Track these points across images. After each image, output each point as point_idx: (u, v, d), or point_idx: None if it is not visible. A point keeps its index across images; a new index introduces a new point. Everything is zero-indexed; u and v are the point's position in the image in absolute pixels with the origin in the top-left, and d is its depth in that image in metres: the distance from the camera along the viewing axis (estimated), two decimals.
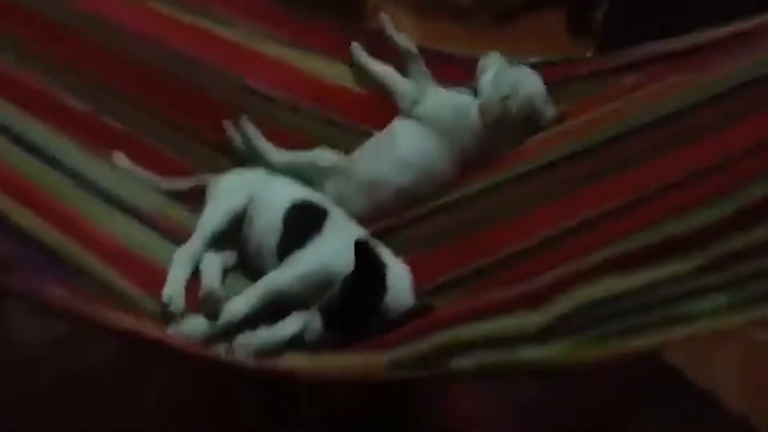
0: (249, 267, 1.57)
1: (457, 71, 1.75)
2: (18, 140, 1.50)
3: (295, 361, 1.24)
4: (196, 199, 1.65)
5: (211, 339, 1.39)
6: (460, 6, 2.60)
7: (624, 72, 1.56)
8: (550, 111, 1.61)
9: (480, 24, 2.54)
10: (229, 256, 1.56)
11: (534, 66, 1.68)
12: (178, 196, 1.66)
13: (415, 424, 1.73)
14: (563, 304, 1.10)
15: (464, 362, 1.10)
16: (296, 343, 1.39)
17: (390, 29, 1.75)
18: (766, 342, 1.83)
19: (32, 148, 1.51)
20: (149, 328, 1.22)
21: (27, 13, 1.63)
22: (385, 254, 1.46)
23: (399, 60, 1.74)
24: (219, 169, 1.70)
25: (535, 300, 1.14)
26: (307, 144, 1.69)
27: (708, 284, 1.06)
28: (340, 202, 1.61)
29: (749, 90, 1.26)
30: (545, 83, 1.64)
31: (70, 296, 1.21)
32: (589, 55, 2.19)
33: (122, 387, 1.82)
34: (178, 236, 1.56)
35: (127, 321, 1.20)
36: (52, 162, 1.52)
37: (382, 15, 1.76)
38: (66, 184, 1.50)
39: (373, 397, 1.56)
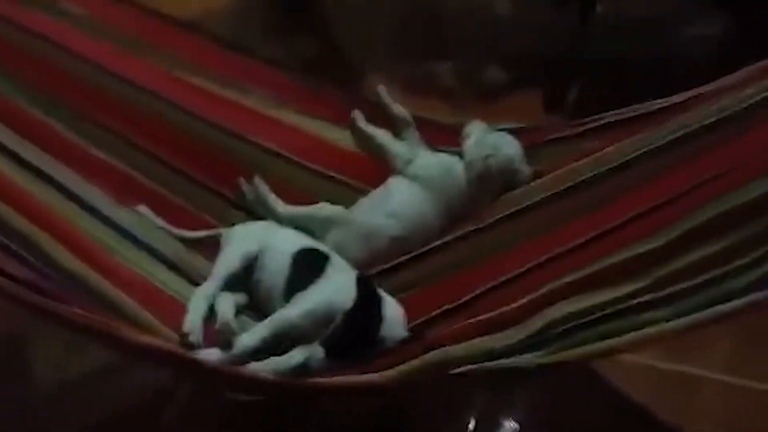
0: (258, 309, 1.74)
1: (444, 137, 1.98)
2: (50, 182, 1.72)
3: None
4: (211, 249, 1.85)
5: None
6: (445, 85, 2.87)
7: (587, 137, 1.80)
8: (525, 170, 1.84)
9: (464, 102, 2.79)
10: (240, 298, 1.74)
11: (512, 132, 1.91)
12: (195, 245, 1.86)
13: None
14: (543, 318, 1.30)
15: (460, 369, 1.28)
16: (301, 372, 1.55)
17: (387, 99, 1.99)
18: (741, 386, 1.95)
19: (64, 191, 1.72)
20: (169, 345, 1.39)
21: (71, 78, 1.86)
22: (380, 291, 1.65)
23: (393, 127, 1.97)
24: (233, 223, 1.90)
25: (511, 321, 1.34)
26: (312, 200, 1.90)
27: (654, 300, 1.30)
28: (340, 250, 1.81)
29: (681, 143, 1.56)
30: (523, 145, 1.87)
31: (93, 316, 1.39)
32: None
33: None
34: (195, 279, 1.75)
35: (148, 338, 1.37)
36: (81, 203, 1.72)
37: (380, 87, 2.00)
38: (92, 222, 1.70)
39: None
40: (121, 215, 1.79)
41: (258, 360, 1.57)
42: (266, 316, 1.69)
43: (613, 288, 1.33)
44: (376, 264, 1.79)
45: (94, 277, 1.58)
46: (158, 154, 1.88)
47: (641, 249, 1.37)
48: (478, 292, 1.55)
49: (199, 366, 1.40)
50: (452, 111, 2.63)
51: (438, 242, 1.75)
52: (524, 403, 1.99)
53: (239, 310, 1.73)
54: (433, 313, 1.59)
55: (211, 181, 1.91)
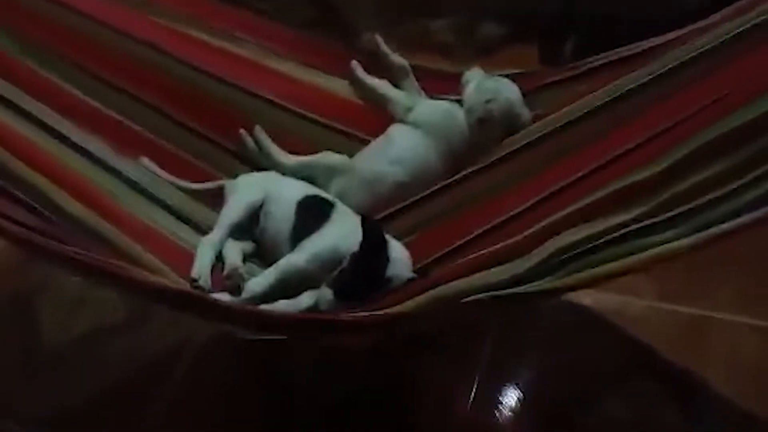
0: (265, 257, 1.76)
1: (443, 85, 1.99)
2: (53, 133, 1.72)
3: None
4: (215, 200, 1.86)
5: None
6: (443, 42, 2.87)
7: (583, 79, 1.82)
8: (525, 114, 1.85)
9: (461, 59, 2.79)
10: (246, 246, 1.76)
11: (510, 77, 1.92)
12: (199, 196, 1.87)
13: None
14: (546, 249, 1.32)
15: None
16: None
17: (384, 48, 1.99)
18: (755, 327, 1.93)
19: (68, 142, 1.72)
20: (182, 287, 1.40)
21: (70, 32, 1.86)
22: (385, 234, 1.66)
23: (391, 76, 1.98)
24: (236, 173, 1.91)
25: (520, 251, 1.35)
26: (313, 150, 1.91)
27: (656, 223, 1.32)
28: (344, 197, 1.82)
29: (677, 72, 1.58)
30: (522, 89, 1.88)
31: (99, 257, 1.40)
32: None
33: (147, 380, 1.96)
34: (201, 228, 1.76)
35: (163, 280, 1.38)
36: (85, 154, 1.73)
37: (377, 36, 2.00)
38: (97, 172, 1.71)
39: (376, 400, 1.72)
40: (126, 166, 1.79)
41: (267, 304, 1.59)
42: (273, 264, 1.71)
43: (615, 215, 1.35)
44: (379, 210, 1.80)
45: (103, 225, 1.59)
46: (159, 106, 1.88)
47: (640, 176, 1.38)
48: (480, 230, 1.57)
49: (212, 305, 1.41)
50: (449, 65, 2.63)
51: (439, 185, 1.76)
52: (531, 349, 1.99)
53: (246, 258, 1.75)
54: (438, 254, 1.61)
55: (213, 133, 1.91)
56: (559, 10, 2.90)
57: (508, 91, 1.86)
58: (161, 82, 1.89)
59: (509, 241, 1.42)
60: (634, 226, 1.31)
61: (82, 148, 1.73)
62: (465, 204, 1.70)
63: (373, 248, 1.56)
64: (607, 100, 1.64)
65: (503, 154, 1.73)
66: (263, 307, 1.55)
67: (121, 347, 2.05)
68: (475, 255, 1.44)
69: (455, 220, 1.68)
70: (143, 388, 1.94)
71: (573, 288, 1.32)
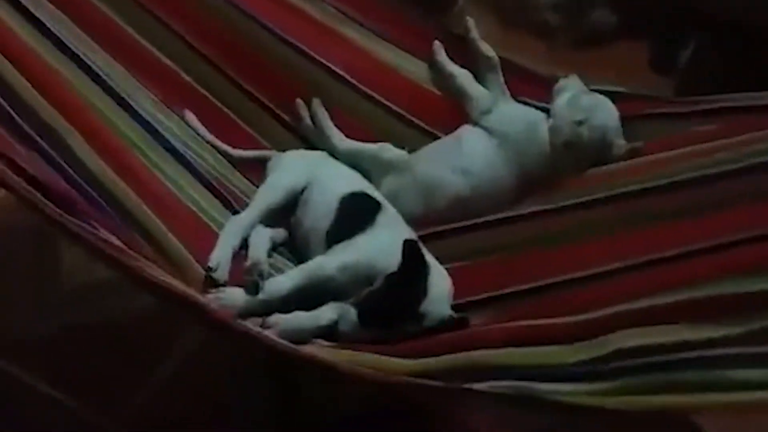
0: (295, 250, 1.58)
1: (533, 88, 1.75)
2: (88, 69, 1.54)
3: (323, 352, 1.25)
4: (256, 172, 1.68)
5: (247, 313, 1.41)
6: (546, 23, 2.57)
7: (699, 119, 1.54)
8: (620, 144, 1.60)
9: (563, 44, 2.51)
10: (278, 234, 1.58)
11: (610, 96, 1.66)
12: (240, 165, 1.69)
13: None
14: (600, 346, 1.08)
15: (482, 385, 1.09)
16: (329, 332, 1.40)
17: (474, 34, 1.75)
18: None
19: (103, 81, 1.54)
20: (187, 289, 1.24)
21: None
22: (429, 258, 1.46)
23: (477, 67, 1.74)
24: (284, 146, 1.72)
25: (571, 336, 1.13)
26: (373, 136, 1.71)
27: (755, 353, 1.01)
28: (395, 199, 1.62)
29: None
30: (622, 114, 1.62)
31: (119, 248, 1.25)
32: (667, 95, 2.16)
33: (156, 340, 1.84)
34: (233, 204, 1.59)
35: (167, 278, 1.22)
36: (119, 99, 1.54)
37: (468, 19, 1.75)
38: (128, 122, 1.53)
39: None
40: (164, 119, 1.62)
41: (284, 310, 1.42)
42: (303, 260, 1.54)
43: (697, 327, 1.07)
44: (432, 223, 1.61)
45: (122, 189, 1.43)
46: (215, 60, 1.70)
47: (742, 286, 1.11)
48: (538, 283, 1.36)
49: (211, 317, 1.25)
50: (546, 53, 2.36)
51: (505, 214, 1.54)
52: None
53: (275, 247, 1.58)
54: (484, 295, 1.41)
55: (268, 99, 1.72)
56: (681, 8, 2.57)
57: (605, 115, 1.61)
58: (223, 34, 1.70)
59: (565, 320, 1.19)
60: (724, 350, 1.02)
61: (116, 90, 1.55)
62: (529, 244, 1.47)
63: (409, 276, 1.37)
64: (729, 165, 1.34)
65: (586, 199, 1.47)
66: (275, 317, 1.37)
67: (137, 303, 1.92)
68: (521, 324, 1.23)
69: (514, 259, 1.47)
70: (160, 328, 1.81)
71: (622, 414, 1.04)
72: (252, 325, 1.35)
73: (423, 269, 1.37)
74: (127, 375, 1.77)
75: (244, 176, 1.69)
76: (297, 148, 1.73)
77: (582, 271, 1.34)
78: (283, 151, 1.71)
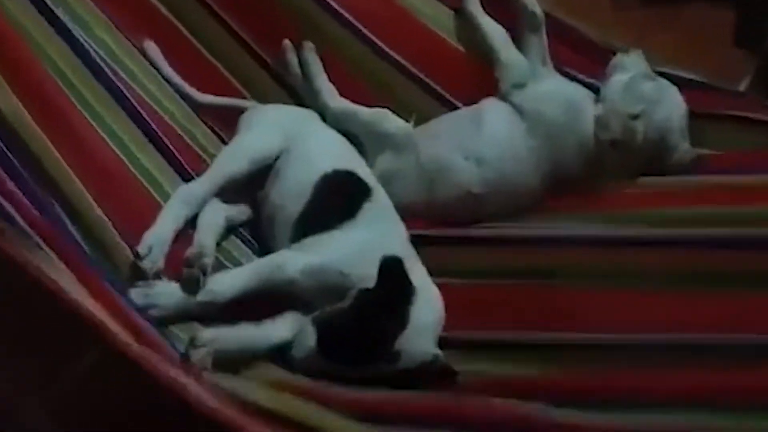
0: (259, 234, 1.28)
1: (584, 58, 1.41)
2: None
3: (257, 394, 0.96)
4: (228, 126, 1.36)
5: (178, 316, 1.12)
6: None
7: None
8: (683, 149, 1.25)
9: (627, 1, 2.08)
10: (238, 212, 1.27)
11: (680, 83, 1.30)
12: (207, 114, 1.37)
13: None
14: None
15: None
16: (279, 353, 1.11)
17: None
18: None
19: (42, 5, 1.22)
20: (94, 308, 0.94)
21: None
22: (419, 273, 1.15)
23: (517, 24, 1.37)
24: (266, 98, 1.40)
25: None
26: (375, 98, 1.38)
27: None
28: (390, 182, 1.30)
29: None
30: (691, 111, 1.26)
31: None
32: (747, 80, 1.77)
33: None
34: (189, 168, 1.27)
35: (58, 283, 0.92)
36: (62, 30, 1.22)
37: None
38: (68, 59, 1.21)
39: None
40: (115, 48, 1.30)
41: (228, 319, 1.13)
42: (266, 249, 1.24)
43: None
44: (433, 220, 1.28)
45: (39, 138, 1.11)
46: None
47: None
48: (550, 335, 1.05)
49: (109, 347, 0.95)
50: (607, 11, 1.95)
51: (522, 226, 1.20)
52: None
53: (233, 229, 1.27)
54: (480, 335, 1.11)
55: (251, 36, 1.40)
56: None
57: (670, 109, 1.25)
58: None
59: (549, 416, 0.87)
60: None
61: (53, 11, 1.22)
62: (549, 276, 1.14)
63: (384, 304, 1.06)
64: None
65: (623, 233, 1.13)
66: (209, 334, 1.07)
67: None
68: (504, 412, 0.91)
69: (519, 293, 1.14)
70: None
71: None
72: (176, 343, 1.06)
73: (404, 296, 1.07)
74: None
75: (211, 130, 1.37)
76: (282, 101, 1.40)
77: (597, 335, 1.02)
78: (264, 103, 1.38)
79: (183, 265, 1.14)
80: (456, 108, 1.37)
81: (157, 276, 1.14)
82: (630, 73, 1.28)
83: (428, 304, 1.11)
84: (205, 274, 1.13)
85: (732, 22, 1.97)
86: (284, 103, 1.40)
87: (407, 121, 1.34)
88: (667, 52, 1.82)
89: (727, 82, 1.84)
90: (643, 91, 1.25)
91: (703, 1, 2.02)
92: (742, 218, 1.10)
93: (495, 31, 1.36)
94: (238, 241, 1.27)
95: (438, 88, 1.38)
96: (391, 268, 1.04)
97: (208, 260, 1.15)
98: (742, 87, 1.88)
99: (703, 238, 1.07)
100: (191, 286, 1.12)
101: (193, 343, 1.06)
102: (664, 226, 1.12)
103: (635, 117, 1.22)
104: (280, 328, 1.13)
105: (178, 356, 1.05)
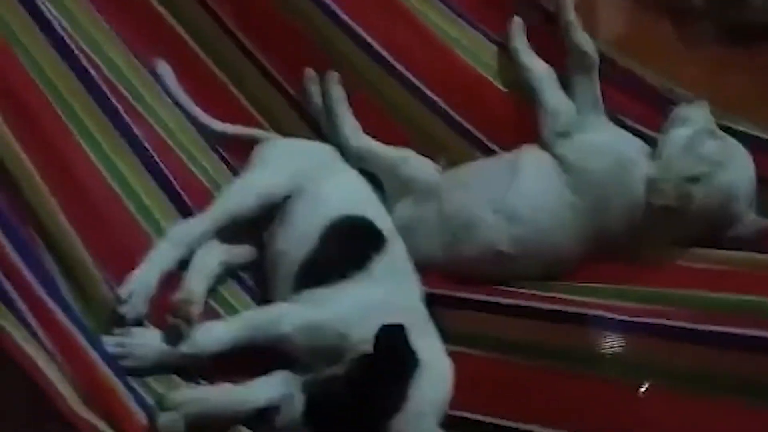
0: (261, 278, 1.16)
1: (641, 106, 1.24)
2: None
3: None
4: (239, 156, 1.25)
5: (157, 368, 1.00)
6: (688, 6, 1.96)
7: None
8: (749, 219, 1.08)
9: (701, 35, 1.90)
10: (239, 253, 1.15)
11: (750, 142, 1.13)
12: (221, 145, 1.27)
13: None
14: None
15: None
16: (262, 420, 0.98)
17: (570, 14, 1.23)
18: None
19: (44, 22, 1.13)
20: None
21: None
22: (428, 341, 1.01)
23: (568, 63, 1.23)
24: (286, 130, 1.29)
25: None
26: (403, 138, 1.25)
27: None
28: (410, 233, 1.17)
29: None
30: (761, 176, 1.09)
31: None
32: None
33: None
34: (194, 203, 1.16)
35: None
36: (63, 46, 1.12)
37: None
38: (64, 77, 1.11)
39: None
40: (125, 70, 1.20)
41: (213, 373, 1.01)
42: (267, 296, 1.12)
43: None
44: (455, 279, 1.14)
45: (19, 161, 1.02)
46: (214, 7, 1.28)
47: None
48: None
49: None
50: (682, 50, 1.79)
51: (563, 304, 1.04)
52: None
53: (232, 271, 1.15)
54: (499, 419, 0.97)
55: (274, 63, 1.28)
56: None
57: (736, 172, 1.09)
58: None
59: None
60: None
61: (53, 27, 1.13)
62: (585, 363, 0.98)
63: (381, 379, 0.92)
64: None
65: (664, 322, 0.96)
66: (187, 395, 0.96)
67: None
68: None
69: (555, 376, 0.99)
70: None
71: None
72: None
73: (402, 371, 0.92)
74: None
75: (225, 162, 1.26)
76: (303, 135, 1.28)
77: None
78: (284, 136, 1.27)
79: (169, 312, 1.03)
80: (492, 154, 1.23)
81: (139, 322, 1.04)
82: (692, 128, 1.11)
83: (434, 380, 0.97)
84: (190, 323, 1.02)
85: None
86: (305, 137, 1.28)
87: (437, 165, 1.21)
88: (739, 95, 1.66)
89: None
90: (705, 150, 1.08)
91: None
92: None
93: (541, 71, 1.21)
94: (237, 286, 1.15)
95: (474, 130, 1.24)
96: (390, 340, 0.91)
97: (196, 308, 1.03)
98: None
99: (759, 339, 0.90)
100: (174, 336, 1.01)
101: (162, 405, 0.94)
102: (713, 313, 0.95)
103: (694, 180, 1.05)
104: (268, 388, 1.01)
105: (145, 414, 0.94)
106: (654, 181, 1.06)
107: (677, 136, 1.11)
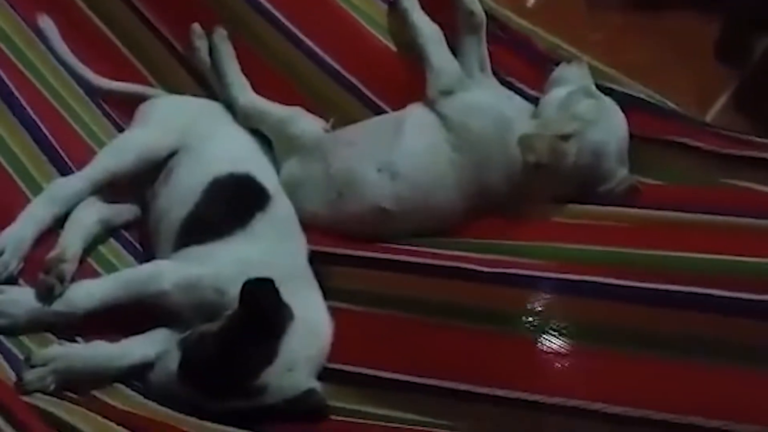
0: (145, 237, 1.15)
1: (528, 67, 1.25)
2: None
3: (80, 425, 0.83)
4: (125, 113, 1.23)
5: (31, 326, 0.99)
6: None
7: (750, 170, 1.03)
8: (620, 176, 1.11)
9: (606, 1, 1.93)
10: (120, 212, 1.14)
11: (628, 101, 1.16)
12: (105, 101, 1.24)
13: None
14: None
15: None
16: (138, 373, 0.99)
17: None
18: None
19: None
20: None
21: None
22: (308, 297, 1.03)
23: (457, 23, 1.24)
24: (174, 86, 1.27)
25: None
26: (293, 95, 1.24)
27: None
28: (296, 190, 1.17)
29: None
30: (634, 134, 1.12)
31: None
32: (724, 97, 1.63)
33: None
34: (74, 160, 1.14)
35: None
36: None
37: None
38: None
39: None
40: (6, 26, 1.17)
41: (88, 334, 1.00)
42: (149, 255, 1.11)
43: None
44: (340, 236, 1.14)
45: None
46: None
47: None
48: (465, 389, 0.92)
49: None
50: (585, 13, 1.81)
51: (441, 259, 1.06)
52: None
53: (114, 230, 1.14)
54: (377, 371, 0.99)
55: (160, 18, 1.26)
56: None
57: (606, 130, 1.11)
58: None
59: None
60: None
61: None
62: (457, 315, 1.00)
63: (249, 332, 0.92)
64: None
65: (544, 274, 0.99)
66: (55, 351, 0.96)
67: None
68: None
69: (432, 329, 1.01)
70: None
71: None
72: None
73: (271, 325, 0.93)
74: None
75: (112, 120, 1.24)
76: (192, 91, 1.27)
77: (520, 390, 0.89)
78: (172, 93, 1.25)
79: (42, 270, 1.02)
80: (382, 112, 1.24)
81: (12, 280, 1.02)
82: (570, 87, 1.14)
83: (309, 334, 0.98)
84: (63, 281, 1.00)
85: (716, 34, 1.83)
86: (194, 94, 1.26)
87: (328, 124, 1.21)
88: (640, 59, 1.70)
89: (703, 97, 1.73)
90: (580, 107, 1.10)
91: (689, 9, 1.88)
92: (680, 265, 0.96)
93: (428, 30, 1.21)
94: (118, 245, 1.14)
95: (364, 88, 1.24)
96: (257, 294, 0.91)
97: (69, 266, 1.02)
98: (719, 104, 1.75)
99: (635, 289, 0.93)
100: (46, 293, 1.00)
101: (29, 361, 0.94)
102: (588, 265, 0.98)
103: (566, 138, 1.08)
104: (145, 345, 1.01)
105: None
106: (528, 137, 1.08)
107: (554, 96, 1.13)
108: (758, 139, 1.09)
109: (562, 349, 0.94)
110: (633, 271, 0.96)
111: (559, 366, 0.94)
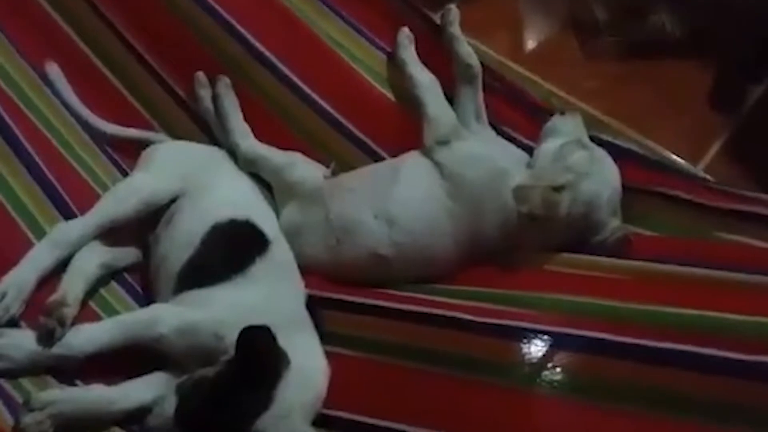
0: (146, 281, 1.17)
1: (523, 117, 1.28)
2: None
3: None
4: (129, 158, 1.26)
5: (30, 370, 1.00)
6: (574, 15, 2.02)
7: (738, 222, 1.06)
8: (612, 226, 1.13)
9: (597, 48, 1.97)
10: (122, 256, 1.16)
11: (624, 153, 1.19)
12: (112, 147, 1.27)
13: None
14: None
15: None
16: (136, 417, 1.00)
17: (455, 29, 1.27)
18: None
19: None
20: None
21: None
22: (305, 343, 1.04)
23: (453, 73, 1.27)
24: (177, 132, 1.30)
25: None
26: (294, 143, 1.27)
27: None
28: (295, 237, 1.19)
29: None
30: (627, 185, 1.15)
31: None
32: (718, 144, 1.66)
33: None
34: (78, 205, 1.16)
35: None
36: None
37: (452, 8, 1.27)
38: None
39: None
40: (11, 72, 1.20)
41: (87, 377, 1.02)
42: (150, 299, 1.13)
43: None
44: (338, 282, 1.16)
45: None
46: (105, 12, 1.29)
47: None
48: None
49: None
50: (582, 62, 1.84)
51: (438, 308, 1.07)
52: None
53: (116, 273, 1.16)
54: (372, 419, 1.00)
55: (164, 66, 1.29)
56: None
57: (601, 182, 1.13)
58: None
59: None
60: None
61: None
62: (453, 365, 1.01)
63: (245, 379, 0.94)
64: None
65: (534, 326, 1.00)
66: (54, 395, 0.97)
67: None
68: None
69: (427, 378, 1.02)
70: None
71: None
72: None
73: (267, 373, 0.94)
74: None
75: (116, 165, 1.26)
76: (194, 137, 1.30)
77: None
78: (175, 138, 1.29)
79: (43, 313, 1.04)
80: (381, 159, 1.27)
81: (13, 323, 1.04)
82: (563, 138, 1.16)
83: (304, 381, 0.99)
84: (63, 324, 1.02)
85: (710, 83, 1.86)
86: (196, 140, 1.29)
87: (328, 170, 1.24)
88: (635, 107, 1.73)
89: (697, 144, 1.76)
90: (574, 159, 1.13)
91: (683, 58, 1.91)
92: (671, 321, 0.97)
93: (425, 81, 1.25)
94: (120, 288, 1.15)
95: (364, 137, 1.27)
96: (253, 341, 0.93)
97: (70, 310, 1.03)
98: (712, 151, 1.78)
99: (626, 345, 0.94)
100: (46, 337, 1.01)
101: (27, 405, 0.95)
102: (580, 318, 0.99)
103: (560, 189, 1.10)
104: (142, 390, 1.02)
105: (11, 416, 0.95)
106: (522, 188, 1.11)
107: (547, 147, 1.16)
108: (749, 194, 1.11)
109: (551, 402, 0.95)
110: (624, 325, 0.96)
111: (548, 419, 0.95)
